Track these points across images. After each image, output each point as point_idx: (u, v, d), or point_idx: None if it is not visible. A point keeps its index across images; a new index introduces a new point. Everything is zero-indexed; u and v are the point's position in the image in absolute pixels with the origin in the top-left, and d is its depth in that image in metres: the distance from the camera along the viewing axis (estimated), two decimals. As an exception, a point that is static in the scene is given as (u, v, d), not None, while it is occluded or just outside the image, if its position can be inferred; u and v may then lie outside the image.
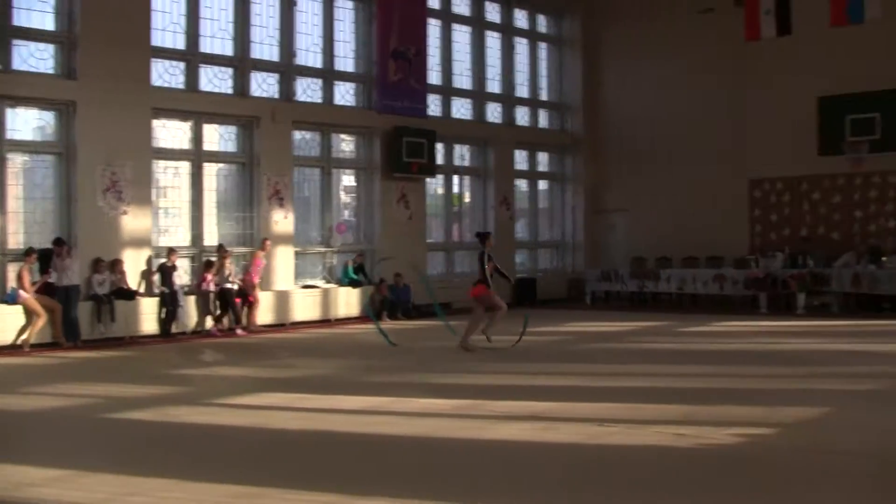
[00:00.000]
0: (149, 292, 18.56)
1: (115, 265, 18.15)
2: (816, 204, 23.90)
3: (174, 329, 18.53)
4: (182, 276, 19.16)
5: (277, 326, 20.18)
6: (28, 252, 16.86)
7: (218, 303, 19.25)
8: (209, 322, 19.21)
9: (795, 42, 23.55)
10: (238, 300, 19.42)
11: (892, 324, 18.90)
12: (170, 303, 18.42)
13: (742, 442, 8.44)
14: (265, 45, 21.34)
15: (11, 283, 17.08)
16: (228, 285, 19.25)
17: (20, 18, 17.76)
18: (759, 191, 24.82)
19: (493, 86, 26.80)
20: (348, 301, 21.74)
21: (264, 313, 20.06)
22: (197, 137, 20.10)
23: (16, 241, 17.70)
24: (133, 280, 18.46)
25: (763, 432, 8.82)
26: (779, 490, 6.94)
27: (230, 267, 19.47)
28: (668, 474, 7.53)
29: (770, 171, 24.55)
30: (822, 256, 22.43)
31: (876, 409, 9.97)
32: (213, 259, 19.49)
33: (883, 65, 22.25)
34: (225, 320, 19.36)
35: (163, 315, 18.42)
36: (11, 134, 17.69)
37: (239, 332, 19.14)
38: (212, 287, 19.11)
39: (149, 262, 18.79)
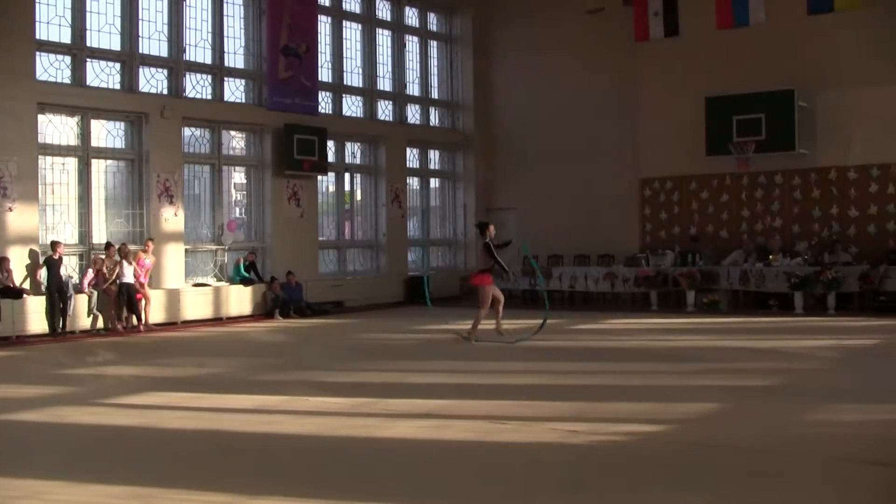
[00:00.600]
0: (35, 289, 18.16)
1: (2, 263, 17.73)
2: (705, 203, 24.31)
3: (64, 325, 18.18)
4: (68, 270, 18.80)
5: (168, 325, 19.91)
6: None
7: (122, 300, 18.92)
8: (101, 321, 18.88)
9: (683, 43, 24.18)
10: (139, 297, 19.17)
11: (780, 321, 19.35)
12: (58, 298, 18.05)
13: (635, 438, 8.57)
14: (154, 41, 21.02)
15: None
16: (127, 280, 18.89)
17: None
18: (649, 189, 25.18)
19: (385, 84, 26.79)
20: (240, 299, 21.56)
21: (155, 312, 19.76)
22: (84, 133, 19.71)
23: None
24: (19, 277, 18.08)
25: (655, 429, 8.98)
26: (672, 485, 7.08)
27: (125, 264, 19.11)
28: (562, 471, 7.61)
29: (660, 171, 24.95)
30: (711, 255, 22.87)
31: (766, 405, 10.19)
32: (105, 256, 19.18)
33: (768, 66, 22.76)
34: (131, 318, 19.06)
35: (55, 310, 18.05)
36: None
37: (142, 329, 18.93)
38: (122, 280, 18.79)
39: (34, 256, 18.39)
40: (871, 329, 17.46)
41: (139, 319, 19.13)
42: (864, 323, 18.46)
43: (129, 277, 18.89)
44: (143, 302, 19.47)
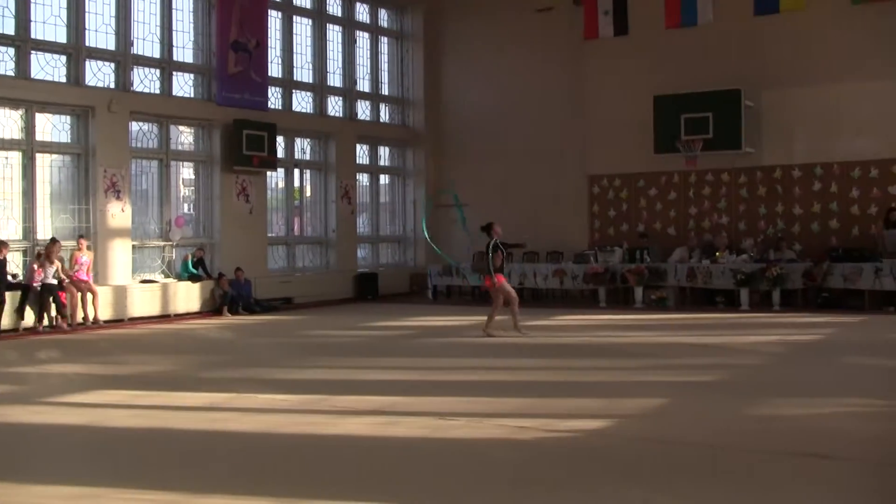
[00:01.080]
0: None
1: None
2: (653, 200, 24.52)
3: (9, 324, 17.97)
4: (14, 270, 18.60)
5: (115, 322, 19.72)
6: None
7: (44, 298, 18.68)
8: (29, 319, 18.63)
9: (633, 42, 24.37)
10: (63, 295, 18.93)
11: (726, 317, 19.55)
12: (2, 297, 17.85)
13: (583, 434, 8.62)
14: (101, 33, 20.79)
15: None
16: (51, 280, 18.64)
17: None
18: (598, 187, 25.31)
19: (335, 79, 26.73)
20: (188, 296, 21.41)
21: (102, 309, 19.54)
22: (28, 127, 19.44)
23: None
24: None
25: (604, 424, 9.03)
26: (621, 480, 7.12)
27: (57, 262, 18.87)
28: (510, 467, 7.63)
29: (608, 168, 25.10)
30: (658, 251, 23.05)
31: (712, 400, 10.28)
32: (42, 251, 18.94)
33: (715, 66, 22.98)
34: (46, 317, 18.75)
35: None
36: None
37: (66, 327, 18.67)
38: (44, 281, 18.54)
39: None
40: (815, 325, 17.66)
41: (62, 318, 18.80)
42: (807, 319, 18.67)
43: (49, 278, 18.55)
44: (91, 297, 19.29)
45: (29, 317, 18.41)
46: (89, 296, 19.27)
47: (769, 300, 20.69)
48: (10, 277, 18.23)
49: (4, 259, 17.97)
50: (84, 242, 19.43)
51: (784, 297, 20.59)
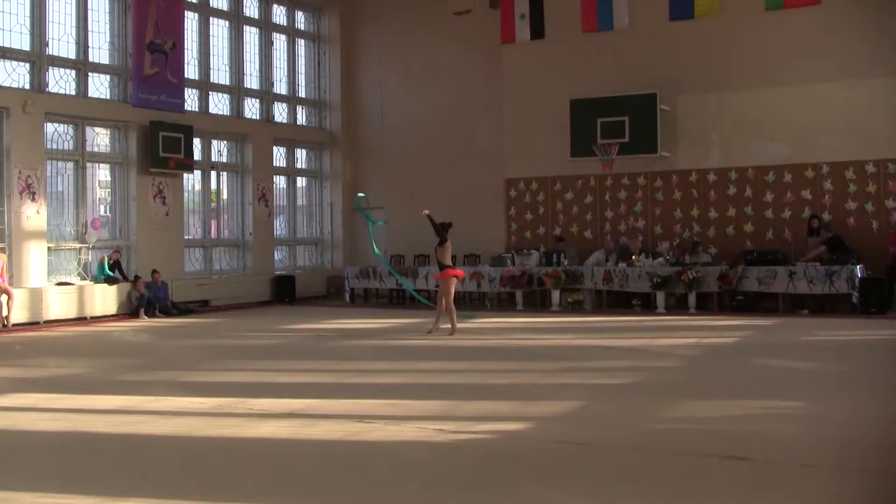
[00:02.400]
0: None
1: None
2: (570, 203, 24.67)
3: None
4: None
5: (31, 325, 19.50)
6: None
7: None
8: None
9: (549, 46, 24.53)
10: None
11: (642, 320, 19.77)
12: None
13: (499, 436, 8.70)
14: (15, 33, 20.54)
15: None
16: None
17: None
18: (515, 190, 25.44)
19: (252, 81, 26.63)
20: (105, 298, 21.23)
21: (16, 311, 19.34)
22: (-60, 128, 19.22)
23: None
24: None
25: (520, 427, 9.11)
26: (536, 482, 7.23)
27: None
28: (426, 469, 7.72)
29: (525, 171, 25.23)
30: (575, 255, 23.20)
31: (625, 402, 10.42)
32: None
33: (632, 70, 23.19)
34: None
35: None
36: None
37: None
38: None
39: None
40: (729, 327, 17.89)
41: None
42: (722, 322, 18.87)
43: None
44: (6, 299, 19.14)
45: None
46: (3, 297, 19.03)
47: (685, 303, 20.96)
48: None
49: None
50: None
51: (699, 300, 20.86)
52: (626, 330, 18.10)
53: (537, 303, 22.85)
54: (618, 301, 22.08)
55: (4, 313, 19.17)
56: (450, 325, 17.11)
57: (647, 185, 23.68)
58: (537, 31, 24.82)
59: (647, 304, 21.49)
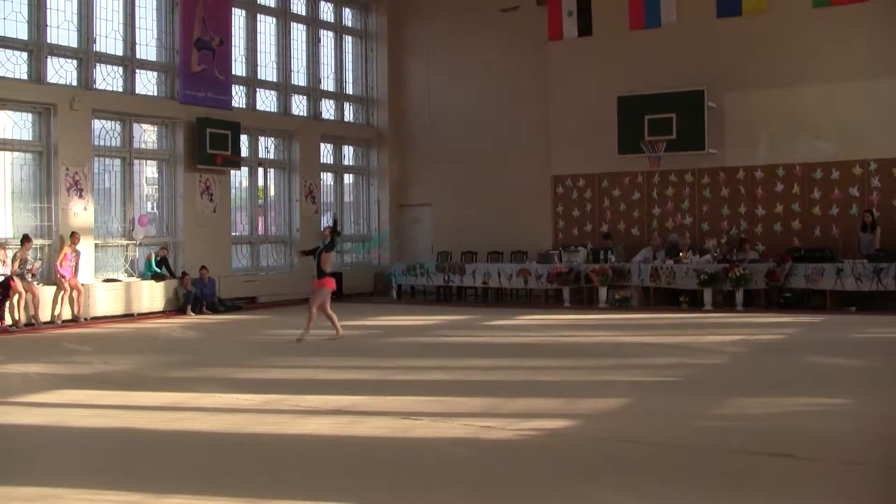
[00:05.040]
0: None
1: None
2: (617, 200, 24.54)
3: None
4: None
5: (73, 322, 19.62)
6: None
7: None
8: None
9: (596, 43, 24.39)
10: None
11: (689, 317, 19.61)
12: None
13: (546, 433, 8.62)
14: (62, 30, 20.67)
15: None
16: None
17: None
18: (562, 187, 25.33)
19: (299, 78, 26.67)
20: (152, 295, 21.34)
21: (65, 307, 19.60)
22: (-11, 124, 19.39)
23: None
24: None
25: (566, 424, 9.05)
26: (583, 479, 7.15)
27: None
28: (474, 466, 7.65)
29: (572, 168, 25.11)
30: (622, 251, 23.11)
31: (672, 399, 10.29)
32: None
33: (679, 67, 23.05)
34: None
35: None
36: None
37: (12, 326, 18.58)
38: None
39: None
40: (776, 324, 17.73)
41: (14, 318, 18.73)
42: (769, 318, 18.73)
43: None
44: (76, 294, 19.54)
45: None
46: (64, 293, 19.50)
47: (732, 300, 20.79)
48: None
49: None
50: (76, 239, 19.60)
51: (747, 297, 20.67)
52: (673, 327, 17.92)
53: (584, 299, 22.78)
54: (665, 298, 21.95)
55: (66, 309, 19.55)
56: (334, 331, 16.29)
57: (695, 182, 23.49)
58: (585, 28, 24.67)
59: (694, 301, 21.29)
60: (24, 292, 18.81)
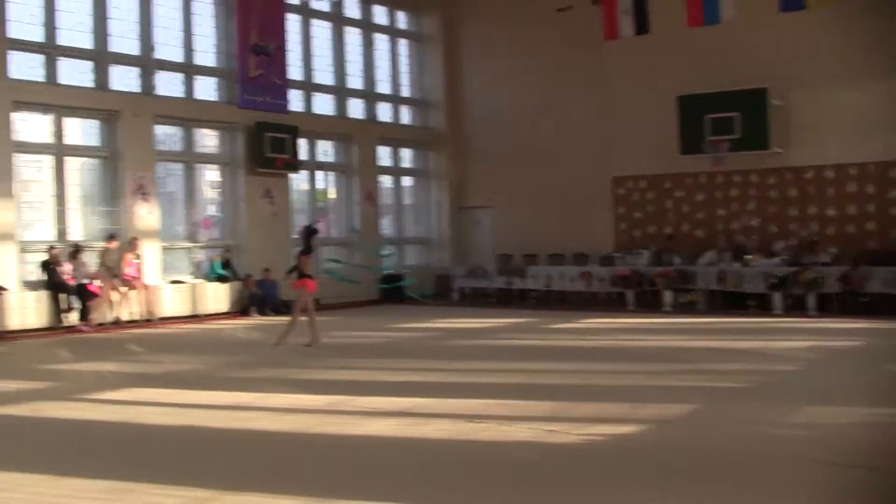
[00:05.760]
0: (50, 285, 18.60)
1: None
2: (680, 202, 24.23)
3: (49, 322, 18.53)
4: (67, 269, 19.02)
5: (146, 322, 19.91)
6: None
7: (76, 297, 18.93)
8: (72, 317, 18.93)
9: (654, 41, 23.88)
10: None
11: (758, 321, 19.12)
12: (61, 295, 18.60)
13: (610, 438, 8.53)
14: (124, 39, 20.98)
15: None
16: (85, 281, 19.05)
17: None
18: (623, 188, 25.08)
19: (355, 82, 26.77)
20: (216, 296, 21.57)
21: (133, 308, 19.98)
22: (58, 131, 19.74)
23: None
24: (7, 275, 18.32)
25: (631, 429, 8.92)
26: (648, 485, 7.06)
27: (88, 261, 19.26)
28: (537, 470, 7.60)
29: (633, 169, 24.85)
30: (686, 254, 22.74)
31: (742, 406, 10.07)
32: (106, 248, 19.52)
33: (740, 64, 22.61)
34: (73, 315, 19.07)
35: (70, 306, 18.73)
36: None
37: (84, 327, 18.83)
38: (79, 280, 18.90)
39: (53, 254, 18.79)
40: (852, 331, 17.10)
41: (83, 319, 19.00)
42: (844, 325, 18.01)
43: (80, 278, 18.99)
44: (142, 294, 19.97)
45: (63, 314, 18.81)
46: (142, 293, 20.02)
47: (803, 304, 20.13)
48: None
49: (56, 260, 18.66)
50: (138, 243, 19.92)
51: (820, 301, 19.99)
52: (741, 332, 17.52)
53: (648, 303, 22.29)
54: (732, 302, 21.37)
55: (135, 308, 19.92)
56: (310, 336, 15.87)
57: (760, 182, 23.08)
58: (642, 27, 24.26)
59: (762, 305, 20.73)
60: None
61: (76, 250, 19.15)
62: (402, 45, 28.58)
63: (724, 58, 23.01)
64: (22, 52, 19.23)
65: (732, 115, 22.51)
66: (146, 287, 20.04)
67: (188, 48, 22.28)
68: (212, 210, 23.59)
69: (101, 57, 20.46)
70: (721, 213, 23.66)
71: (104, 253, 19.35)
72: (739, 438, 8.56)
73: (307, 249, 15.89)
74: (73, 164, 20.22)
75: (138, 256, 20.05)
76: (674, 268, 21.90)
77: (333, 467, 7.73)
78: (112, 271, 19.30)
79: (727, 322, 19.16)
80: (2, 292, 17.93)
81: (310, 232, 16.13)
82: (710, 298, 21.62)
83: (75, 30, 20.08)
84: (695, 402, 10.43)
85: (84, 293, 18.93)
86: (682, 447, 8.24)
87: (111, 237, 19.58)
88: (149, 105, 20.99)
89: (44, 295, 18.59)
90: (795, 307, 20.36)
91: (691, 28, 23.15)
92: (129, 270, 19.77)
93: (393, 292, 25.35)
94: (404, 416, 9.69)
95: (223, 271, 21.89)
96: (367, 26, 27.19)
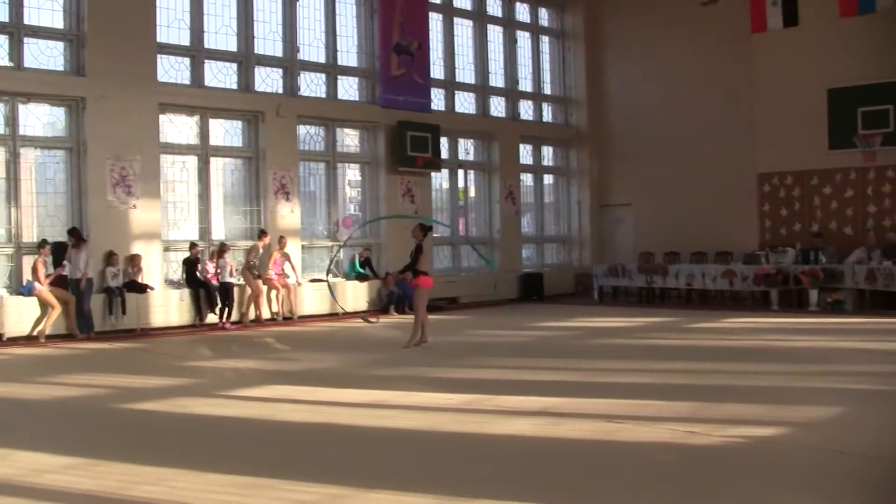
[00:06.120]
0: (192, 283, 19.14)
1: (134, 259, 18.56)
2: (828, 198, 23.58)
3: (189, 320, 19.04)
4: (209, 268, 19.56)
5: (285, 320, 20.23)
6: (41, 244, 17.26)
7: (218, 296, 19.36)
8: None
9: (803, 33, 23.23)
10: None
11: (911, 322, 18.48)
12: (203, 293, 19.13)
13: (753, 441, 8.33)
14: (268, 41, 21.39)
15: (26, 275, 17.43)
16: (230, 279, 19.51)
17: (31, 17, 17.95)
18: (768, 185, 24.53)
19: (497, 80, 26.78)
20: (355, 295, 21.80)
21: (271, 306, 20.34)
22: (203, 132, 20.22)
23: (29, 234, 17.98)
24: (153, 274, 18.82)
25: (775, 432, 8.70)
26: (791, 490, 6.88)
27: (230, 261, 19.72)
28: (677, 471, 7.49)
29: (779, 165, 24.27)
30: (834, 252, 22.01)
31: (887, 410, 9.78)
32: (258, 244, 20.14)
33: (895, 55, 21.94)
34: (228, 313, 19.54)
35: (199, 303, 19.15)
36: (24, 130, 17.95)
37: (228, 325, 19.30)
38: (222, 279, 19.36)
39: (196, 253, 19.41)
40: None
41: (222, 318, 19.40)
42: None
43: (224, 277, 19.41)
44: (286, 293, 20.41)
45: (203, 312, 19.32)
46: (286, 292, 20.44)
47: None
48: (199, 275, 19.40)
49: (197, 258, 19.20)
50: (266, 240, 20.23)
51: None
52: (890, 333, 16.87)
53: (793, 303, 21.78)
54: (882, 301, 20.58)
55: (275, 308, 20.30)
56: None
57: (916, 177, 22.40)
58: (790, 18, 23.66)
59: (916, 306, 19.96)
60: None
61: (221, 249, 19.57)
62: (545, 42, 28.47)
63: (878, 48, 22.23)
64: (169, 56, 19.73)
65: (887, 108, 21.83)
66: (292, 286, 20.38)
67: (331, 49, 22.56)
68: (352, 209, 23.85)
69: (246, 59, 20.88)
70: (871, 210, 22.90)
71: (251, 251, 19.80)
72: (888, 444, 8.29)
73: (421, 247, 15.93)
74: (216, 165, 20.64)
75: (286, 255, 20.42)
76: (820, 266, 21.21)
77: (470, 466, 7.70)
78: (258, 269, 19.73)
79: (876, 323, 18.50)
80: (147, 290, 18.42)
81: (424, 230, 16.14)
82: (857, 298, 20.89)
83: (221, 33, 20.53)
84: (840, 404, 10.14)
85: (226, 291, 19.33)
86: (826, 451, 7.98)
87: (262, 233, 20.01)
88: (292, 105, 21.33)
89: (186, 293, 19.05)
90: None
91: (843, 18, 22.36)
92: (275, 269, 20.16)
93: (532, 291, 25.31)
94: (542, 416, 9.62)
95: (363, 270, 22.11)
96: (510, 23, 27.17)
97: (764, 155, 24.52)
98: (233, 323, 19.33)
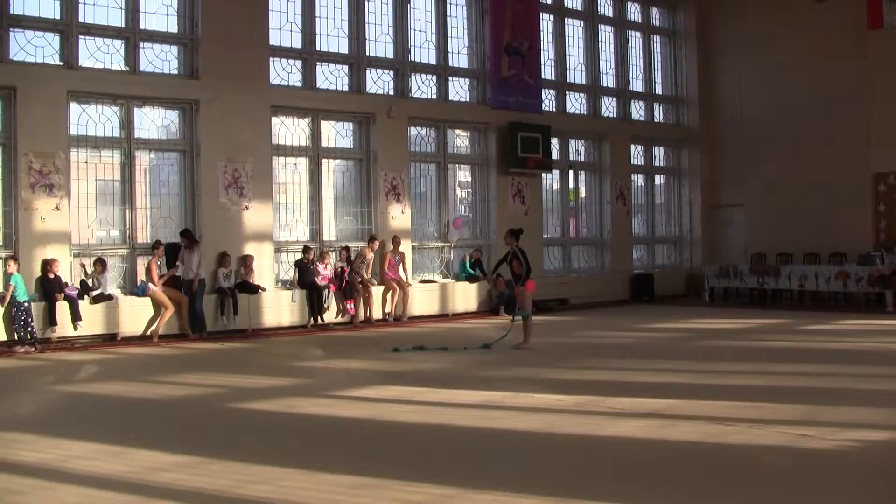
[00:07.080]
0: (303, 284, 19.31)
1: (246, 260, 18.82)
2: (947, 198, 22.95)
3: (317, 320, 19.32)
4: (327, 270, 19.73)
5: (396, 321, 20.37)
6: (155, 245, 17.61)
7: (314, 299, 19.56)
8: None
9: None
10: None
11: None
12: (314, 295, 19.23)
13: (868, 445, 8.18)
14: (380, 43, 21.55)
15: (141, 276, 17.81)
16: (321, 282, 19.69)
17: (146, 22, 18.33)
18: (884, 185, 23.95)
19: (608, 80, 26.62)
20: (466, 296, 21.85)
21: (380, 308, 20.48)
22: (315, 134, 20.44)
23: (143, 235, 18.38)
24: (264, 275, 19.08)
25: (889, 436, 8.54)
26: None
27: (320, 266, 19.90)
28: (790, 476, 7.36)
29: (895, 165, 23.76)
30: (953, 254, 21.40)
31: None
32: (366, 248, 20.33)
33: None
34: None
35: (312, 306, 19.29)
36: (139, 132, 18.35)
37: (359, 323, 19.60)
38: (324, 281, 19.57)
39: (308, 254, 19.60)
40: None
41: (318, 318, 19.53)
42: None
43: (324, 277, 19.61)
44: (399, 293, 20.55)
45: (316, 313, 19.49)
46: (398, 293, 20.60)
47: None
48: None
49: (310, 261, 19.43)
50: (376, 244, 20.39)
51: None
52: None
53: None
54: None
55: (388, 309, 20.48)
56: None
57: None
58: (908, 14, 23.22)
59: None
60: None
61: (338, 251, 19.78)
62: (656, 41, 28.22)
63: None
64: (281, 59, 20.00)
65: None
66: (405, 287, 20.50)
67: (442, 50, 22.64)
68: (462, 210, 23.90)
69: (358, 61, 21.06)
70: None
71: (362, 253, 19.96)
72: None
73: (516, 253, 15.89)
74: (327, 166, 20.85)
75: (401, 255, 20.57)
76: (937, 267, 20.67)
77: (580, 468, 7.69)
78: (370, 271, 19.91)
79: None
80: (258, 291, 18.68)
81: (516, 234, 16.12)
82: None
83: (332, 35, 20.75)
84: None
85: (336, 292, 19.53)
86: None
87: (372, 239, 20.17)
88: (403, 107, 21.46)
89: (298, 294, 19.23)
90: None
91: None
92: (391, 270, 20.31)
93: (642, 292, 25.13)
94: (653, 418, 9.56)
95: (473, 271, 22.15)
96: (621, 23, 26.98)
97: (879, 154, 23.93)
98: (347, 323, 19.53)
